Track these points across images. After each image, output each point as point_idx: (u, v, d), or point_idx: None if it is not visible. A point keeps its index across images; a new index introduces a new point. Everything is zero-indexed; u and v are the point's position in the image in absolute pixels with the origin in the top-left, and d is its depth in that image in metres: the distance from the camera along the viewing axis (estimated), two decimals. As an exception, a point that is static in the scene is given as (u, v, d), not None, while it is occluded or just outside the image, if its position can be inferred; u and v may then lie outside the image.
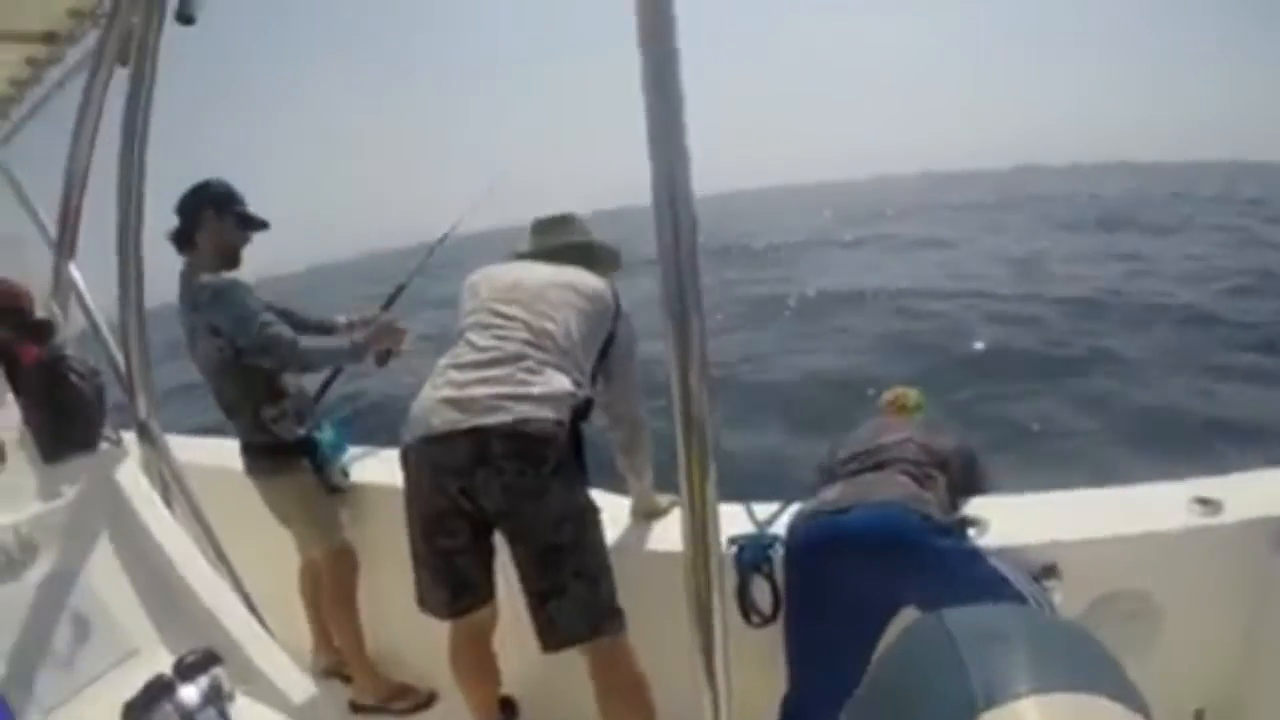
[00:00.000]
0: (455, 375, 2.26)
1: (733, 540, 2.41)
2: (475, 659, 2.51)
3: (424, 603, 2.37)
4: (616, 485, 2.77)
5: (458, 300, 2.52)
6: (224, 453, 3.17)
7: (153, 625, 1.88)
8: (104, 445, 2.19)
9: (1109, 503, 2.53)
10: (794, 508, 2.38)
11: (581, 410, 2.29)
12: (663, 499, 2.71)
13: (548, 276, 2.47)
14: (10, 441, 2.07)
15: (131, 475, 2.10)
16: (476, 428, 2.13)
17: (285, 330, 2.77)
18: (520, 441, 2.12)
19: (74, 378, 2.17)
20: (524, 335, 2.29)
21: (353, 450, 3.28)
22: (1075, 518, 2.43)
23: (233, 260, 2.90)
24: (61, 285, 2.66)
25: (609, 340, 2.47)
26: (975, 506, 2.44)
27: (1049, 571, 2.24)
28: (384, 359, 3.24)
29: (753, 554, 2.36)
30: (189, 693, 1.60)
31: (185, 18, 2.23)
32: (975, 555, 2.12)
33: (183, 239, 2.85)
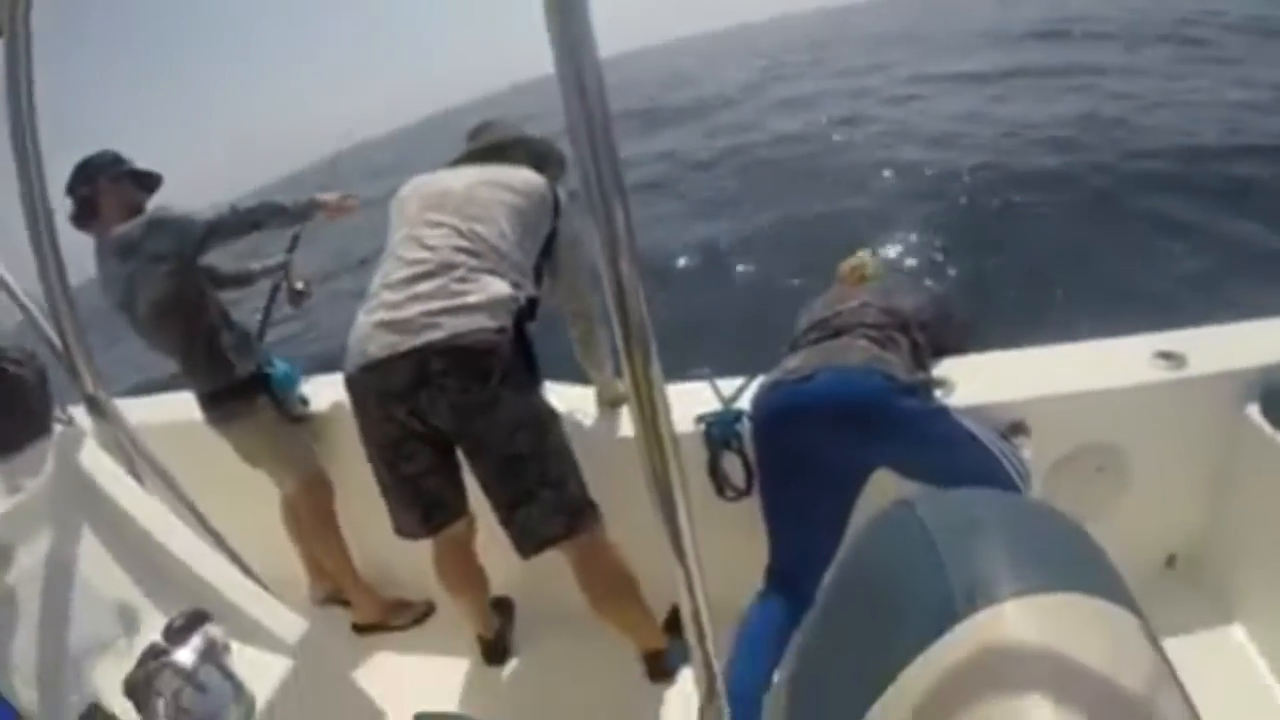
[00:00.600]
0: (387, 295, 2.18)
1: (700, 418, 2.43)
2: (461, 571, 2.55)
3: (399, 527, 2.38)
4: (579, 375, 2.77)
5: (387, 219, 2.44)
6: (178, 407, 3.14)
7: (141, 597, 1.87)
8: (57, 428, 2.14)
9: (1073, 358, 2.56)
10: (759, 381, 2.38)
11: (525, 312, 2.22)
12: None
13: (475, 177, 2.39)
14: None
15: (90, 452, 2.06)
16: (413, 349, 2.08)
17: (224, 206, 2.80)
18: (459, 356, 2.07)
19: (11, 368, 2.11)
20: (455, 242, 2.21)
21: (305, 379, 3.25)
22: (1041, 374, 2.46)
23: (139, 213, 2.83)
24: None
25: (551, 236, 2.41)
26: (939, 368, 2.46)
27: (1017, 428, 2.27)
28: (298, 300, 3.34)
29: (721, 430, 2.38)
30: (184, 655, 1.61)
31: None
32: (942, 413, 2.13)
33: (85, 214, 2.79)
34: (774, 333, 2.60)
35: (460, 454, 2.29)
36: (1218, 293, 5.69)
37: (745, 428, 2.34)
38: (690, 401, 2.50)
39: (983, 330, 2.62)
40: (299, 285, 3.38)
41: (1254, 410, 2.30)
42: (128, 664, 1.59)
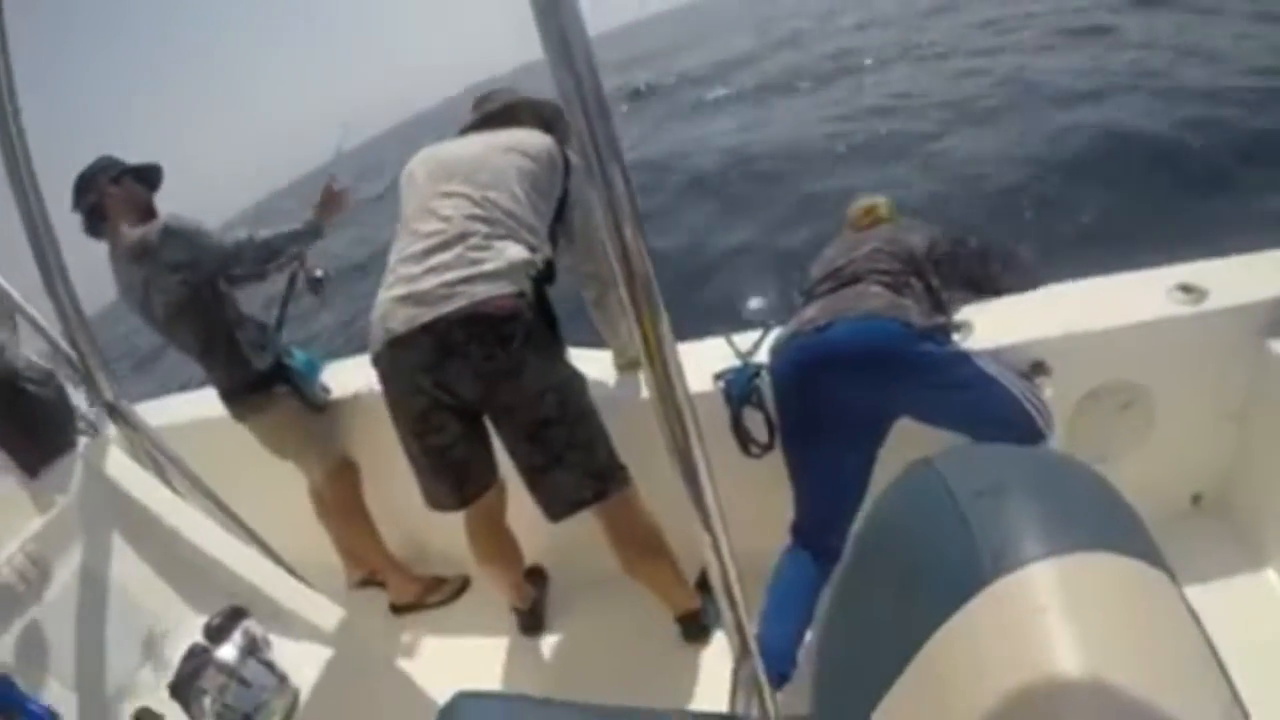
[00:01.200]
0: (405, 270, 2.19)
1: (718, 375, 2.42)
2: (494, 541, 2.56)
3: (431, 500, 2.39)
4: (597, 340, 2.76)
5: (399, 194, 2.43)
6: (199, 405, 3.15)
7: (179, 599, 1.90)
8: (82, 440, 2.16)
9: (1092, 295, 2.50)
10: (775, 333, 2.37)
11: (544, 275, 2.23)
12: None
13: (484, 143, 2.38)
14: None
15: (117, 460, 2.08)
16: (435, 320, 2.08)
17: (242, 232, 2.79)
18: (481, 324, 2.07)
19: (32, 388, 2.12)
20: (468, 210, 2.20)
21: (325, 366, 3.26)
22: (1059, 313, 2.41)
23: (150, 216, 2.83)
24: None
25: (563, 199, 2.39)
26: (965, 310, 2.43)
27: (1038, 368, 2.24)
28: (317, 287, 3.28)
29: (740, 386, 2.36)
30: (226, 652, 1.64)
31: None
32: (961, 357, 2.11)
33: (96, 221, 2.78)
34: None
35: (488, 423, 2.30)
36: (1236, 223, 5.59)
37: (765, 382, 2.32)
38: (708, 359, 2.49)
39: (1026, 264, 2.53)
40: (317, 273, 3.33)
41: (1277, 343, 2.26)
42: (171, 665, 1.62)
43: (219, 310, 2.79)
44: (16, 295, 2.23)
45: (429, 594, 3.11)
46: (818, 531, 2.18)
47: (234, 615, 1.70)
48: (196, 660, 1.61)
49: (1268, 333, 2.27)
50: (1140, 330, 2.30)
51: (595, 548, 2.36)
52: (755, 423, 2.36)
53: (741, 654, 1.26)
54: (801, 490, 2.25)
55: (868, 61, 15.40)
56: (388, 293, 2.19)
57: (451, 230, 2.17)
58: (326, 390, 3.07)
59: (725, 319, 2.74)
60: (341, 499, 3.06)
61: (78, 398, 2.32)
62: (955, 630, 0.59)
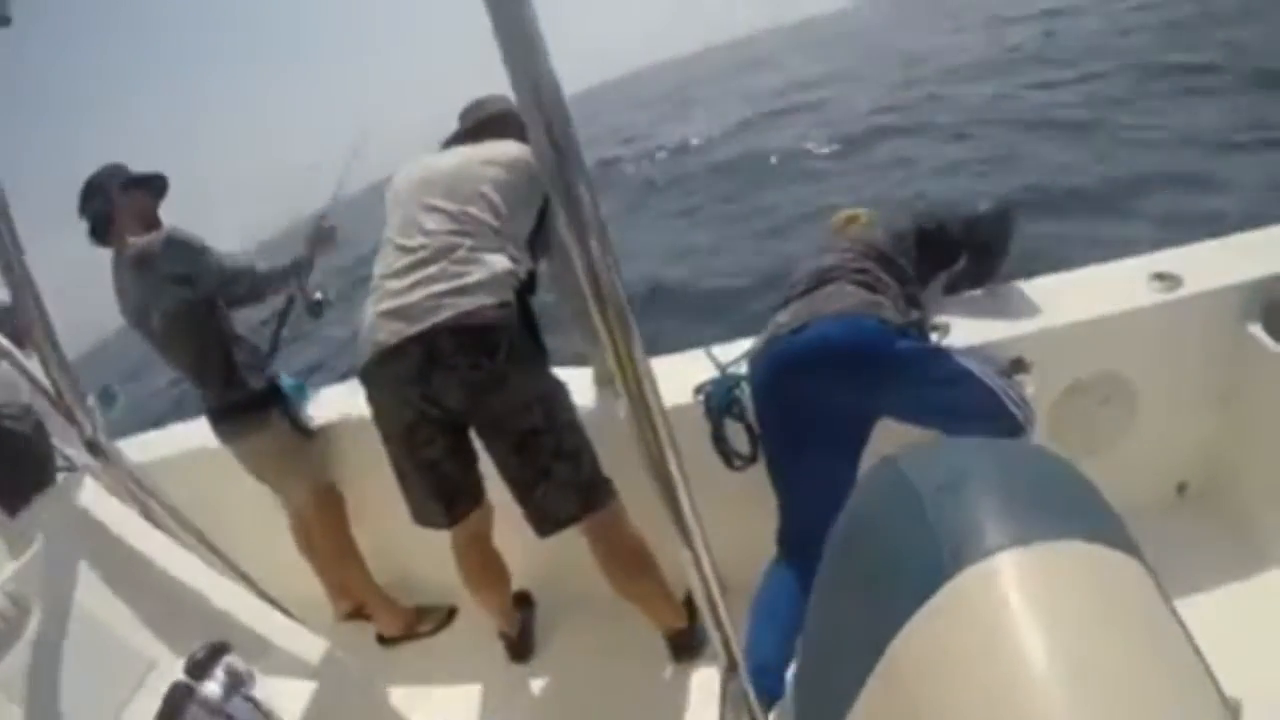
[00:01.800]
0: (391, 284, 2.22)
1: (698, 388, 2.42)
2: (482, 562, 2.55)
3: (419, 516, 2.40)
4: (576, 358, 2.74)
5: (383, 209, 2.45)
6: (180, 439, 3.14)
7: (161, 636, 1.87)
8: (61, 477, 2.14)
9: (1068, 288, 2.53)
10: (753, 343, 2.36)
11: (526, 286, 2.26)
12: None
13: (464, 156, 2.41)
14: None
15: (96, 496, 2.05)
16: (421, 333, 2.11)
17: (243, 258, 2.82)
18: (467, 335, 2.11)
19: (8, 423, 2.10)
20: (450, 225, 2.23)
21: (312, 393, 3.27)
22: (1036, 307, 2.43)
23: (155, 224, 2.85)
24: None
25: (544, 208, 2.39)
26: (946, 305, 2.47)
27: (1018, 365, 2.24)
28: (317, 310, 3.25)
29: (720, 398, 2.36)
30: (210, 688, 1.61)
31: (2, 19, 2.06)
32: (940, 353, 2.11)
33: (102, 228, 2.79)
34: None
35: (475, 439, 2.31)
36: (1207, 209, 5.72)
37: (745, 393, 2.32)
38: (688, 373, 2.49)
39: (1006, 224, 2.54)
40: (316, 295, 3.30)
41: (1257, 327, 2.27)
42: (154, 703, 1.59)
43: (215, 326, 2.78)
44: None
45: (417, 624, 3.09)
46: (803, 540, 2.14)
47: (217, 651, 1.67)
48: (179, 697, 1.58)
49: (1246, 317, 2.29)
50: (1118, 321, 2.32)
51: (581, 569, 2.36)
52: (737, 435, 2.36)
53: (728, 670, 1.26)
54: (785, 498, 2.24)
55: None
56: (374, 307, 2.23)
57: (435, 245, 2.21)
58: (310, 418, 3.07)
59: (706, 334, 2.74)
60: (328, 528, 3.03)
61: (58, 434, 2.30)
62: (918, 628, 0.58)
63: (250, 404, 2.83)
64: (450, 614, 3.11)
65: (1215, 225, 2.67)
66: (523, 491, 2.25)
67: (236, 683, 1.65)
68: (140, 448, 3.26)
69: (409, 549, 2.42)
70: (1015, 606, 0.54)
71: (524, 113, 1.00)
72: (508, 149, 2.40)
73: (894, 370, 2.03)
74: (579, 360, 2.75)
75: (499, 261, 2.19)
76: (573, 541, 2.29)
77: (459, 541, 2.48)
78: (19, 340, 2.39)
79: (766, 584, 2.14)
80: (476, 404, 2.17)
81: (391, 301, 2.18)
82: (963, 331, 2.38)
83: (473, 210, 2.25)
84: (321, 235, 3.14)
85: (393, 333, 2.15)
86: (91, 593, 1.88)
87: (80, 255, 2.94)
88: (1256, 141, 7.39)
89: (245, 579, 2.23)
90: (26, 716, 1.63)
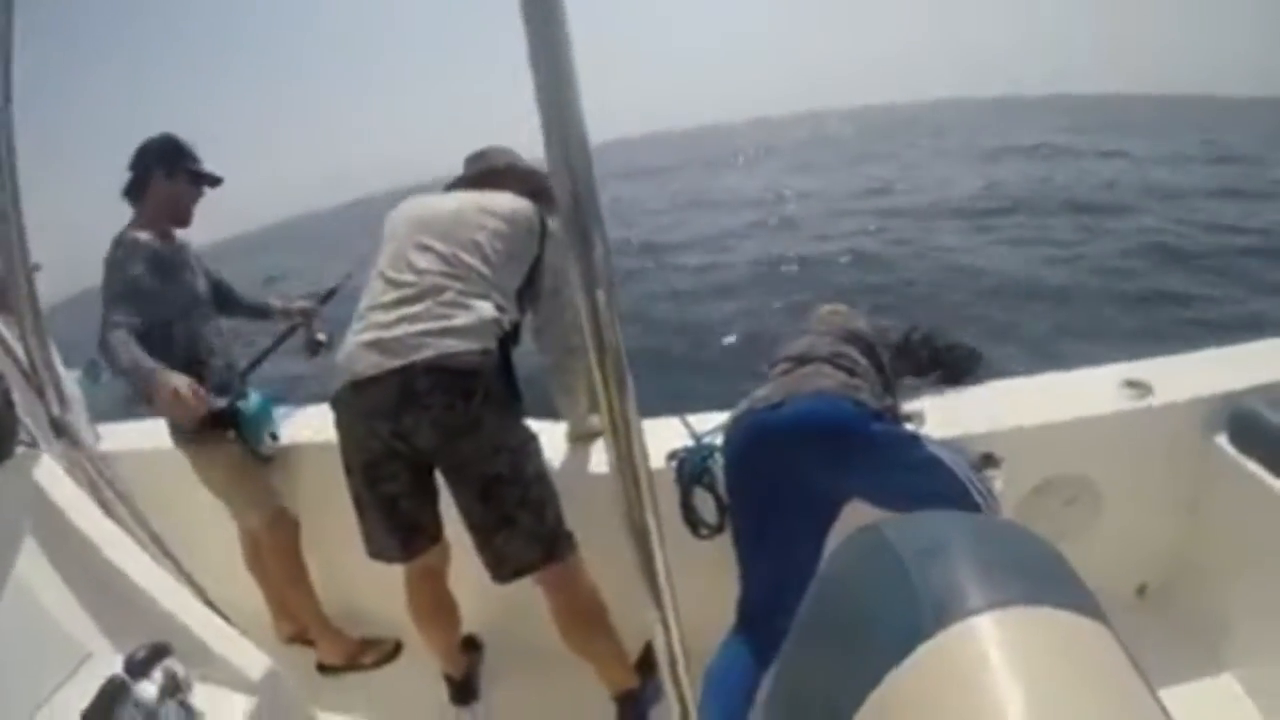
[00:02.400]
0: (376, 317, 2.22)
1: (671, 455, 2.42)
2: (433, 601, 2.52)
3: (374, 550, 2.36)
4: (552, 412, 2.75)
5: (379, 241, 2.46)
6: (150, 435, 3.10)
7: (101, 627, 1.84)
8: (20, 449, 2.11)
9: (1043, 390, 2.59)
10: (730, 415, 2.36)
11: (509, 336, 2.26)
12: (599, 420, 2.63)
13: (464, 201, 2.42)
14: None
15: (50, 475, 2.03)
16: (400, 368, 2.10)
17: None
18: (445, 376, 2.10)
19: None
20: (441, 266, 2.24)
21: (283, 410, 3.24)
22: (1010, 407, 2.48)
23: (183, 218, 2.88)
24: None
25: (536, 263, 2.42)
26: (916, 400, 2.49)
27: (988, 460, 2.26)
28: (316, 350, 3.27)
29: (692, 466, 2.37)
30: (145, 689, 1.58)
31: None
32: (912, 439, 2.13)
33: (134, 192, 2.80)
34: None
35: (441, 479, 2.29)
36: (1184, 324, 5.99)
37: (717, 464, 2.33)
38: (662, 437, 2.49)
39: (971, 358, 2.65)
40: (320, 336, 3.33)
41: (1222, 438, 2.33)
42: (87, 694, 1.56)
43: (165, 350, 2.71)
44: None
45: (359, 656, 3.04)
46: (764, 615, 2.15)
47: (157, 652, 1.64)
48: (114, 692, 1.54)
49: (1212, 428, 2.35)
50: (1089, 425, 2.38)
51: (533, 619, 2.33)
52: (705, 504, 2.36)
53: None
54: (748, 571, 2.23)
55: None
56: (357, 337, 2.21)
57: (424, 283, 2.21)
58: (275, 438, 3.03)
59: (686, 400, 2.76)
60: (278, 552, 2.98)
61: (28, 409, 2.27)
62: (898, 683, 0.58)
63: (205, 421, 2.77)
64: (395, 649, 3.06)
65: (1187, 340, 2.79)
66: (483, 537, 2.22)
67: (173, 687, 1.62)
68: (111, 436, 3.23)
69: (360, 579, 2.39)
70: (995, 664, 0.54)
71: (550, 160, 1.02)
72: (507, 201, 2.42)
73: (867, 452, 2.04)
74: (555, 414, 2.75)
75: (485, 308, 2.20)
76: (528, 590, 2.26)
77: (412, 577, 2.46)
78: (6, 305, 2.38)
79: (722, 654, 2.13)
80: (446, 446, 2.16)
81: (374, 333, 2.18)
82: (937, 423, 2.42)
83: (465, 255, 2.26)
84: (299, 315, 3.29)
85: (371, 364, 2.14)
86: (34, 572, 1.85)
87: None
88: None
89: (193, 584, 2.20)
90: None
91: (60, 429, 2.18)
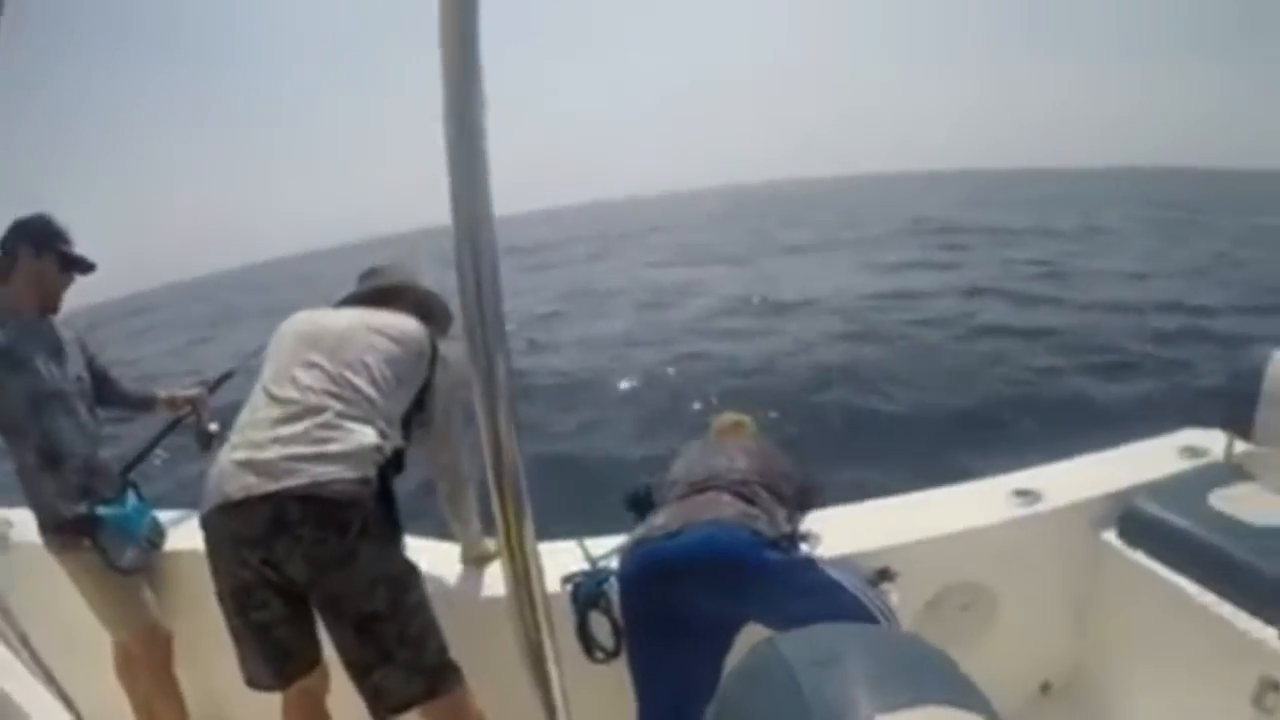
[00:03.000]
0: (251, 435, 2.14)
1: (566, 579, 2.40)
2: None
3: (248, 678, 2.26)
4: (446, 531, 2.72)
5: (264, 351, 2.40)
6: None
7: None
8: None
9: (935, 503, 2.69)
10: (626, 539, 2.38)
11: (391, 463, 2.19)
12: (492, 543, 2.60)
13: (355, 319, 2.38)
14: None
15: None
16: (270, 493, 2.01)
17: (114, 371, 2.81)
18: (318, 506, 2.01)
19: None
20: (326, 385, 2.18)
21: (174, 514, 3.11)
22: (904, 521, 2.57)
23: (52, 303, 2.78)
24: None
25: (425, 387, 2.40)
26: (807, 520, 2.51)
27: (884, 575, 2.32)
28: (207, 442, 3.14)
29: (587, 590, 2.34)
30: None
31: None
32: (809, 564, 2.15)
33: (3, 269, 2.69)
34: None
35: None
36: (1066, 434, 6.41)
37: (613, 588, 2.31)
38: (557, 561, 2.47)
39: (833, 489, 2.73)
40: (212, 426, 3.19)
41: (1111, 534, 2.47)
42: None
43: (18, 447, 2.64)
44: None
45: None
46: None
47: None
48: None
49: (1101, 526, 2.50)
50: (981, 534, 2.48)
51: None
52: (601, 628, 2.34)
53: None
54: (645, 697, 2.21)
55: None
56: (230, 454, 2.13)
57: (305, 403, 2.15)
58: (153, 544, 2.89)
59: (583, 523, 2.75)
60: (147, 668, 2.84)
61: None
62: None
63: (60, 527, 2.67)
64: None
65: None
66: (359, 673, 2.12)
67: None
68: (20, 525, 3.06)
69: (236, 695, 2.28)
70: None
71: (460, 276, 1.02)
72: (400, 323, 2.40)
73: (762, 580, 2.06)
74: (449, 535, 2.73)
75: (366, 434, 2.14)
76: (417, 716, 2.19)
77: (289, 699, 2.34)
78: None
79: None
80: (317, 577, 2.07)
81: (246, 452, 2.10)
82: (832, 541, 2.47)
83: (351, 375, 2.21)
84: (186, 406, 3.23)
85: (241, 487, 2.04)
86: None
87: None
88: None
89: (58, 689, 2.07)
90: None
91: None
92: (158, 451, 3.31)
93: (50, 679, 2.09)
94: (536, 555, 1.10)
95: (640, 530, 2.28)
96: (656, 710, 2.20)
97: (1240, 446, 2.64)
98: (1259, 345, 2.57)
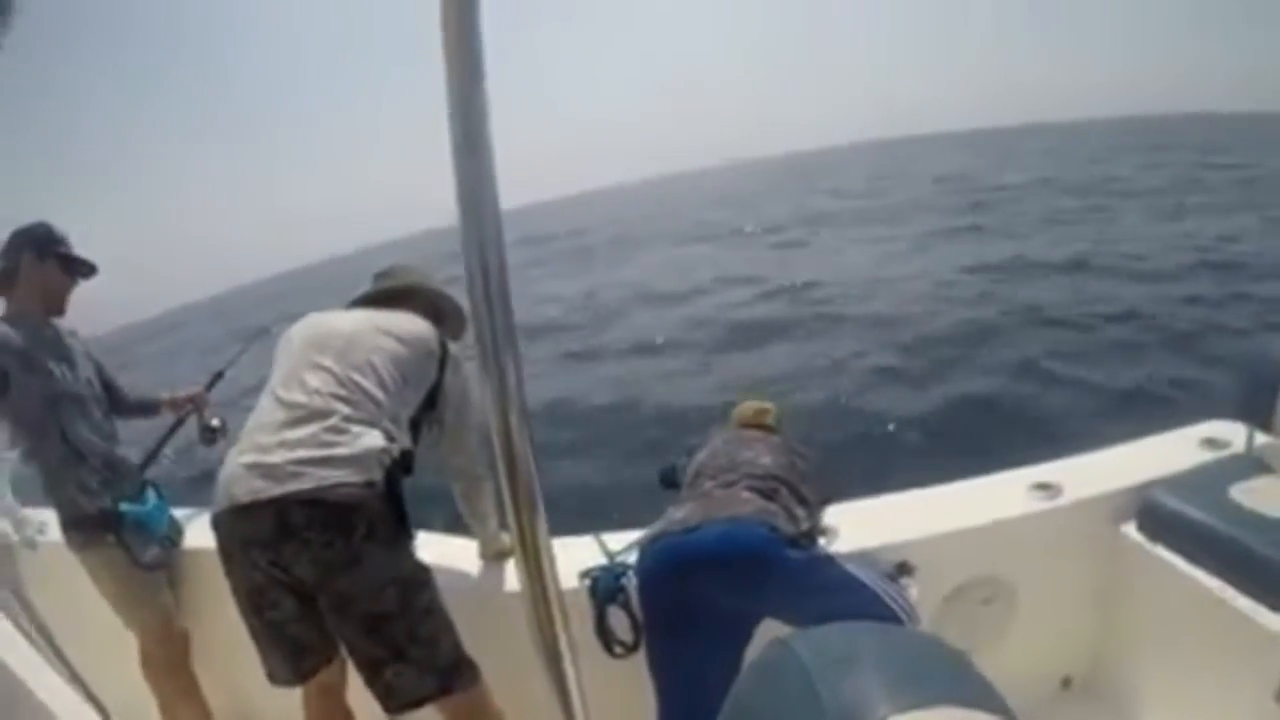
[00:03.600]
0: (259, 438, 2.14)
1: (585, 573, 2.41)
2: (328, 716, 2.43)
3: (270, 674, 2.28)
4: (463, 527, 2.72)
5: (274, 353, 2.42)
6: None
7: None
8: None
9: (955, 497, 2.68)
10: (645, 534, 2.37)
11: (399, 465, 2.19)
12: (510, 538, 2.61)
13: (364, 321, 2.39)
14: None
15: None
16: (276, 497, 2.02)
17: (121, 380, 2.84)
18: (323, 510, 2.02)
19: None
20: (332, 389, 2.18)
21: (188, 511, 3.14)
22: (923, 515, 2.56)
23: (56, 306, 2.81)
24: None
25: (436, 389, 2.40)
26: (826, 514, 2.51)
27: (902, 569, 2.33)
28: (210, 438, 3.22)
29: (606, 585, 2.35)
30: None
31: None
32: (827, 561, 2.16)
33: (2, 282, 2.73)
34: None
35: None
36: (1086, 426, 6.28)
37: (631, 582, 2.32)
38: (576, 557, 2.49)
39: (851, 485, 2.72)
40: (214, 422, 3.26)
41: (1130, 528, 2.46)
42: None
43: (41, 443, 2.68)
44: None
45: None
46: None
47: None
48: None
49: (1121, 519, 2.49)
50: (1001, 527, 2.47)
51: None
52: (620, 623, 2.34)
53: None
54: (664, 692, 2.22)
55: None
56: (238, 457, 2.14)
57: (312, 405, 2.15)
58: (172, 541, 2.93)
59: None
60: (165, 663, 2.87)
61: None
62: None
63: (80, 524, 2.72)
64: None
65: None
66: (371, 672, 2.13)
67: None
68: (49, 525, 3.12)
69: (256, 690, 2.30)
70: None
71: (469, 277, 1.03)
72: (409, 324, 2.40)
73: (781, 576, 2.06)
74: (465, 529, 2.73)
75: (373, 437, 2.14)
76: (433, 713, 2.20)
77: (309, 693, 2.37)
78: None
79: None
80: (326, 580, 2.07)
81: (254, 455, 2.11)
82: (851, 534, 2.48)
83: (358, 377, 2.21)
84: (187, 404, 3.27)
85: (248, 490, 2.05)
86: None
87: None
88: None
89: (82, 685, 2.10)
90: None
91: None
92: (165, 451, 3.36)
93: (76, 677, 2.11)
94: (550, 551, 1.11)
95: (658, 525, 2.28)
96: (675, 705, 2.20)
97: (1261, 439, 2.62)
98: None
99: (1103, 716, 2.57)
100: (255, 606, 2.18)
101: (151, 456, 3.21)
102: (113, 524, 2.73)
